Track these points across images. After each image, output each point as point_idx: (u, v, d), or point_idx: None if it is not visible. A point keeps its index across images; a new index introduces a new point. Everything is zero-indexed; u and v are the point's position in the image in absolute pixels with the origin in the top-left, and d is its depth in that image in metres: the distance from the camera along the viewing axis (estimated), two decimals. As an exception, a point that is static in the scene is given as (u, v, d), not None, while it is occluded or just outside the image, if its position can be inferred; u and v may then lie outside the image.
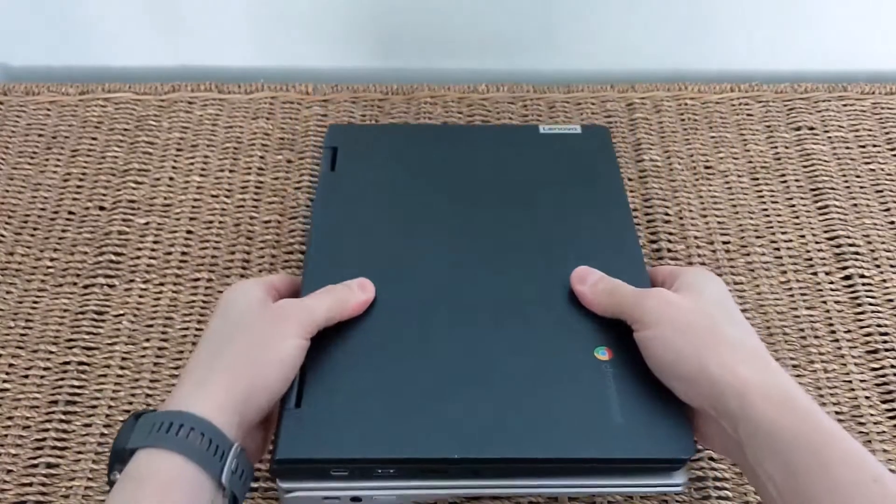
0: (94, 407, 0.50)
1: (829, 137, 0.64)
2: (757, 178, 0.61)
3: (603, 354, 0.42)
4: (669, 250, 0.57)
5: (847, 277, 0.56)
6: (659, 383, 0.40)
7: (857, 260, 0.57)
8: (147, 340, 0.52)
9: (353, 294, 0.43)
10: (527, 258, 0.47)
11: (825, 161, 0.62)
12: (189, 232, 0.58)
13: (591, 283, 0.44)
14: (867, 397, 0.51)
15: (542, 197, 0.51)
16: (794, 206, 0.60)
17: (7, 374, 0.51)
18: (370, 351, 0.42)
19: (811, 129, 0.65)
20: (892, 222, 0.59)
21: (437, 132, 0.60)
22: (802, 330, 0.53)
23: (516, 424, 0.39)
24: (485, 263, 0.47)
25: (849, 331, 0.53)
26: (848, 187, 0.61)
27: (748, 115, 0.66)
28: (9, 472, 0.47)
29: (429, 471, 0.40)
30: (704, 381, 0.37)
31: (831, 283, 0.56)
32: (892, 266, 0.56)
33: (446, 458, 0.38)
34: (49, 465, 0.48)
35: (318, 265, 0.46)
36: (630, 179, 0.61)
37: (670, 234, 0.58)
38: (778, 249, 0.57)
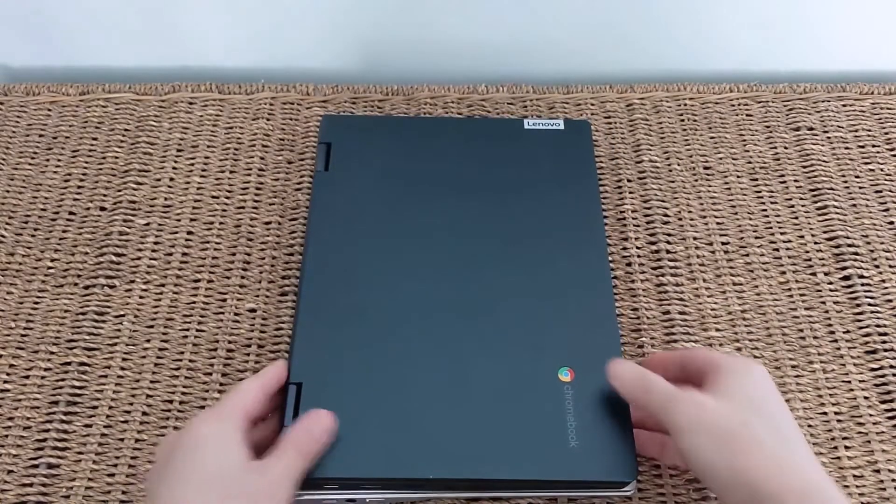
0: (95, 408, 0.50)
1: (829, 138, 0.64)
2: (756, 179, 0.62)
3: (566, 376, 0.46)
4: (668, 251, 0.57)
5: (846, 278, 0.56)
6: (613, 406, 0.45)
7: (856, 260, 0.57)
8: (148, 341, 0.53)
9: (317, 440, 0.42)
10: (498, 264, 0.50)
11: (824, 161, 0.63)
12: (189, 233, 0.58)
13: (627, 379, 0.43)
14: (866, 397, 0.51)
15: (517, 198, 0.54)
16: (793, 206, 0.60)
17: (8, 374, 0.51)
18: (353, 373, 0.46)
19: (810, 129, 0.65)
20: (892, 223, 0.59)
21: (428, 124, 0.61)
22: (801, 330, 0.54)
23: (482, 446, 0.44)
24: (458, 269, 0.50)
25: (848, 331, 0.54)
26: (847, 188, 0.61)
27: (747, 115, 0.66)
28: (10, 472, 0.47)
29: (408, 485, 0.45)
30: (742, 489, 0.37)
31: (830, 283, 0.56)
32: (891, 266, 0.57)
33: (420, 478, 0.44)
34: (50, 466, 0.48)
35: (313, 284, 0.50)
36: (629, 180, 0.61)
37: (669, 234, 0.58)
38: (777, 250, 0.57)
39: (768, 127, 0.65)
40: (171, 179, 0.61)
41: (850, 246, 0.58)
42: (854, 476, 0.48)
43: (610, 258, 0.57)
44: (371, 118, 0.63)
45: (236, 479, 0.38)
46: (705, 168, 0.62)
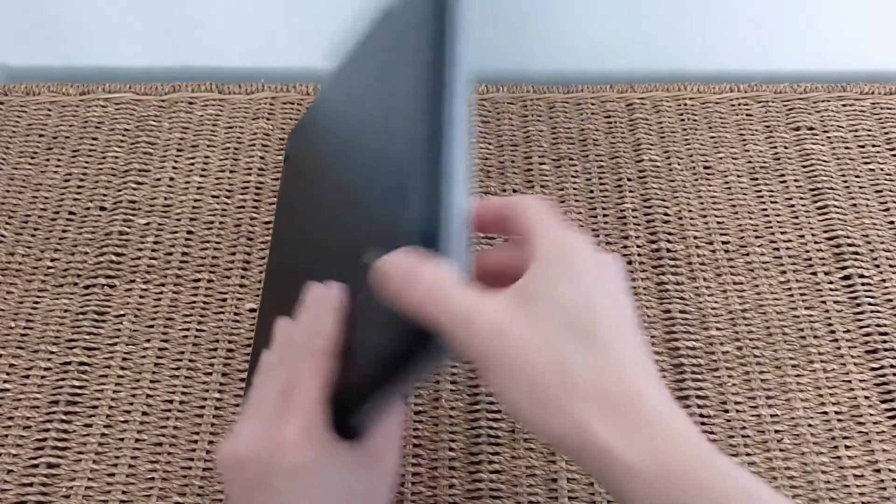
0: (95, 407, 0.50)
1: (829, 137, 0.64)
2: (756, 179, 0.62)
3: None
4: (669, 250, 0.57)
5: (846, 277, 0.56)
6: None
7: (856, 260, 0.57)
8: (148, 341, 0.53)
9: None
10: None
11: (824, 161, 0.63)
12: (189, 232, 0.58)
13: (424, 284, 0.30)
14: (866, 397, 0.51)
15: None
16: (793, 206, 0.60)
17: (8, 374, 0.51)
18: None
19: (810, 129, 0.65)
20: (892, 222, 0.59)
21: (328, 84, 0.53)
22: (802, 330, 0.54)
23: None
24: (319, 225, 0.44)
25: (848, 331, 0.54)
26: (847, 187, 0.61)
27: (747, 115, 0.66)
28: (9, 472, 0.47)
29: None
30: (564, 449, 0.30)
31: (830, 283, 0.56)
32: (891, 266, 0.56)
33: None
34: (50, 466, 0.48)
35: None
36: (629, 179, 0.61)
37: (669, 234, 0.58)
38: (777, 249, 0.57)
39: (768, 127, 0.65)
40: (171, 179, 0.61)
41: (850, 245, 0.57)
42: (854, 476, 0.48)
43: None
44: (309, 111, 0.57)
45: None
46: (705, 168, 0.62)
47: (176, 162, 0.62)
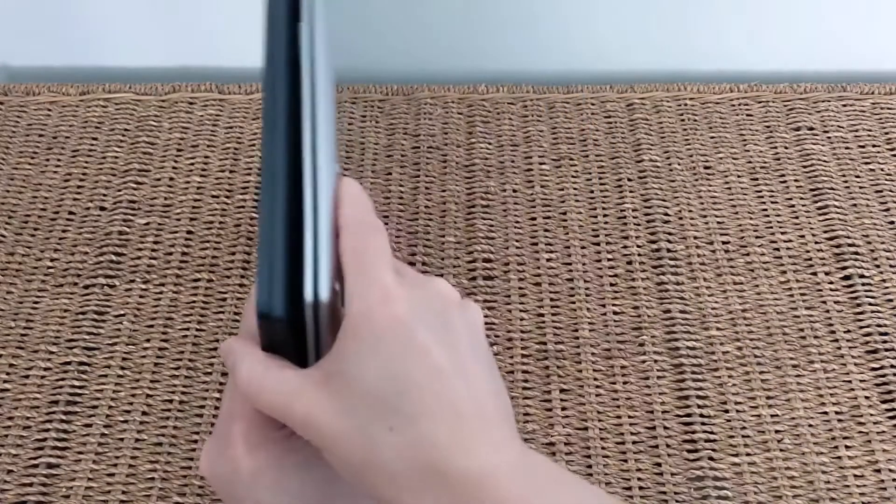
0: (95, 407, 0.50)
1: (829, 138, 0.64)
2: (756, 179, 0.62)
3: None
4: (669, 250, 0.57)
5: (847, 277, 0.56)
6: None
7: (856, 260, 0.57)
8: (147, 341, 0.53)
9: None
10: None
11: (825, 161, 0.62)
12: (189, 232, 0.58)
13: (243, 383, 0.31)
14: (867, 397, 0.51)
15: None
16: (793, 206, 0.60)
17: (7, 374, 0.51)
18: None
19: (811, 129, 0.65)
20: (892, 222, 0.59)
21: None
22: (802, 330, 0.54)
23: None
24: None
25: (848, 331, 0.54)
26: (847, 187, 0.61)
27: (748, 115, 0.66)
28: (9, 472, 0.47)
29: None
30: None
31: (831, 283, 0.56)
32: (891, 266, 0.56)
33: None
34: (49, 466, 0.48)
35: None
36: (630, 179, 0.61)
37: (670, 234, 0.58)
38: (777, 249, 0.57)
39: (768, 127, 0.65)
40: (171, 179, 0.61)
41: (850, 245, 0.57)
42: (854, 476, 0.48)
43: (610, 257, 0.57)
44: None
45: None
46: (706, 168, 0.62)
47: (176, 162, 0.62)
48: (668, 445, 0.49)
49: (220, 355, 0.32)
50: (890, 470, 0.48)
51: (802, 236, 0.58)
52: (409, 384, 0.28)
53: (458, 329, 0.30)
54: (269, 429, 0.32)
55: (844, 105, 0.66)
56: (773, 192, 0.61)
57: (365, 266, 0.30)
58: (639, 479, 0.47)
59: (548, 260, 0.57)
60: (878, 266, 0.57)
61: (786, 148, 0.63)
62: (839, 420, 0.50)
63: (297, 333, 0.30)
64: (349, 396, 0.28)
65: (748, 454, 0.48)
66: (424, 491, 0.28)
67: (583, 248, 0.57)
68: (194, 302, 0.54)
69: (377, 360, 0.28)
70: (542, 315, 0.54)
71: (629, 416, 0.50)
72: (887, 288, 0.55)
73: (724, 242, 0.58)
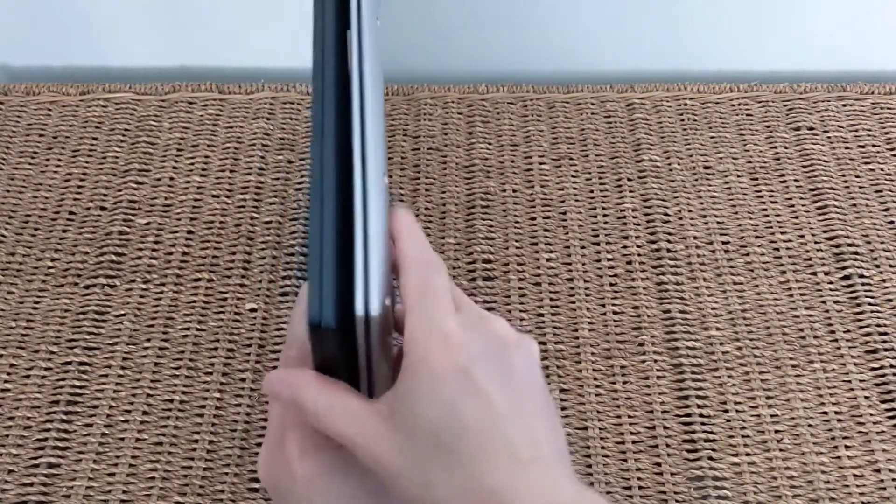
0: (96, 407, 0.50)
1: (829, 137, 0.64)
2: (756, 179, 0.62)
3: None
4: (669, 250, 0.57)
5: (846, 277, 0.56)
6: None
7: (856, 260, 0.57)
8: (148, 341, 0.53)
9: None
10: None
11: (824, 161, 0.63)
12: (190, 232, 0.58)
13: (310, 412, 0.32)
14: (866, 397, 0.51)
15: None
16: (793, 206, 0.60)
17: (8, 374, 0.51)
18: None
19: (811, 129, 0.65)
20: (892, 222, 0.59)
21: None
22: (802, 330, 0.54)
23: None
24: None
25: (848, 331, 0.54)
26: (847, 187, 0.61)
27: (747, 115, 0.66)
28: (10, 472, 0.47)
29: None
30: None
31: (830, 283, 0.56)
32: (891, 266, 0.57)
33: None
34: (50, 466, 0.48)
35: None
36: (629, 179, 0.61)
37: (669, 234, 0.58)
38: (777, 249, 0.57)
39: (768, 127, 0.65)
40: (171, 179, 0.61)
41: (850, 245, 0.58)
42: (854, 476, 0.48)
43: (610, 257, 0.57)
44: None
45: None
46: (705, 168, 0.62)
47: (176, 162, 0.62)
48: (667, 445, 0.49)
49: (264, 387, 0.34)
50: (890, 470, 0.48)
51: (802, 236, 0.58)
52: (467, 429, 0.29)
53: (514, 371, 0.31)
54: (322, 436, 0.32)
55: (844, 105, 0.66)
56: (772, 192, 0.61)
57: (427, 309, 0.31)
58: (638, 478, 0.47)
59: (547, 260, 0.57)
60: (877, 266, 0.57)
61: (785, 148, 0.63)
62: (839, 420, 0.50)
63: (348, 347, 0.31)
64: (410, 435, 0.29)
65: (748, 454, 0.48)
66: None
67: (582, 248, 0.57)
68: (194, 302, 0.54)
69: (436, 403, 0.29)
70: (542, 315, 0.54)
71: (629, 416, 0.50)
72: (887, 288, 0.55)
73: (723, 242, 0.58)
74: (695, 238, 0.58)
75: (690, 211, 0.60)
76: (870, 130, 0.65)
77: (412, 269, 0.32)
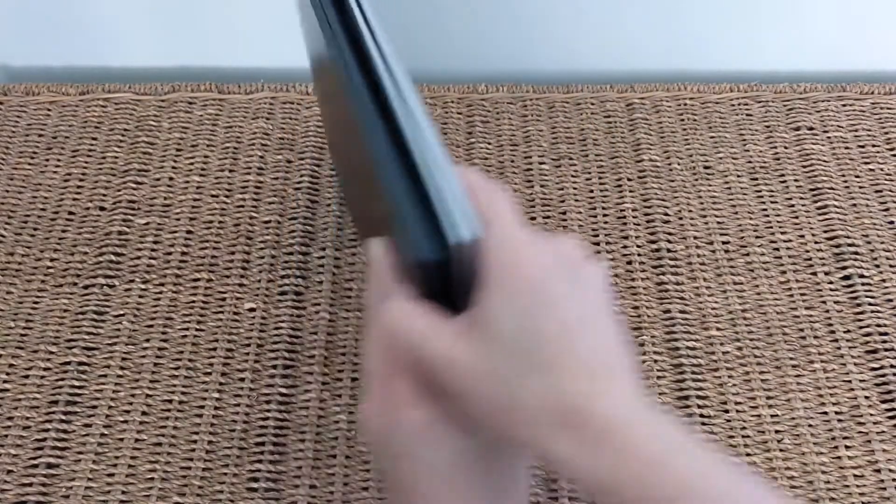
0: (95, 407, 0.50)
1: (829, 137, 0.64)
2: (756, 179, 0.62)
3: None
4: (669, 250, 0.57)
5: (846, 277, 0.56)
6: None
7: (856, 260, 0.57)
8: (147, 341, 0.53)
9: None
10: None
11: (824, 161, 0.62)
12: (189, 232, 0.58)
13: (385, 325, 0.33)
14: (867, 397, 0.51)
15: None
16: (793, 206, 0.60)
17: (7, 374, 0.51)
18: None
19: (810, 129, 0.65)
20: (892, 222, 0.59)
21: None
22: (802, 330, 0.53)
23: None
24: None
25: (848, 331, 0.53)
26: (847, 187, 0.61)
27: (747, 115, 0.66)
28: (9, 472, 0.47)
29: None
30: (531, 455, 0.34)
31: (830, 283, 0.56)
32: (891, 266, 0.56)
33: None
34: (49, 466, 0.48)
35: None
36: (629, 179, 0.61)
37: (669, 234, 0.58)
38: (777, 249, 0.57)
39: (768, 127, 0.65)
40: (171, 179, 0.61)
41: (850, 245, 0.57)
42: (854, 476, 0.48)
43: (610, 257, 0.57)
44: None
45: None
46: (705, 168, 0.62)
47: (175, 162, 0.62)
48: (667, 445, 0.49)
49: (363, 300, 0.37)
50: (890, 470, 0.48)
51: (802, 236, 0.58)
52: (545, 338, 0.30)
53: (586, 286, 0.32)
54: (431, 386, 0.33)
55: (844, 105, 0.66)
56: (772, 192, 0.61)
57: (499, 222, 0.32)
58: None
59: (547, 260, 0.57)
60: (877, 266, 0.56)
61: (785, 148, 0.63)
62: (839, 420, 0.50)
63: (444, 278, 0.32)
64: (490, 344, 0.30)
65: (748, 454, 0.48)
66: (561, 433, 0.30)
67: (582, 248, 0.57)
68: (194, 302, 0.54)
69: (514, 312, 0.30)
70: (542, 315, 0.54)
71: (629, 416, 0.50)
72: (887, 288, 0.55)
73: (723, 242, 0.58)
74: (695, 238, 0.58)
75: (690, 211, 0.59)
76: (870, 130, 0.64)
77: (481, 191, 0.33)
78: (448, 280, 0.32)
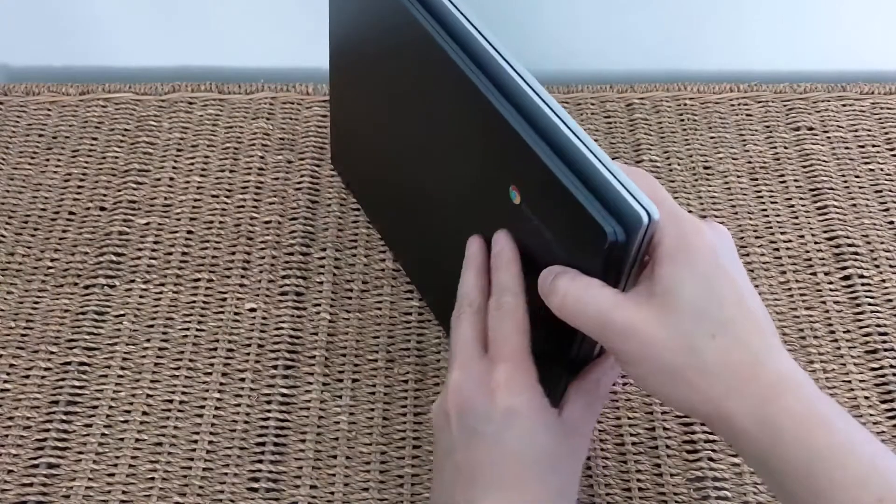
0: (95, 407, 0.50)
1: (829, 137, 0.64)
2: (756, 179, 0.62)
3: (514, 197, 0.39)
4: (669, 250, 0.57)
5: (846, 278, 0.56)
6: None
7: (856, 260, 0.57)
8: (148, 341, 0.53)
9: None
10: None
11: (824, 161, 0.63)
12: (189, 232, 0.58)
13: (559, 296, 0.36)
14: (866, 397, 0.51)
15: None
16: (793, 206, 0.60)
17: (8, 374, 0.51)
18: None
19: (810, 129, 0.65)
20: (892, 222, 0.59)
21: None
22: (802, 330, 0.54)
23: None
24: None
25: (848, 331, 0.54)
26: (847, 187, 0.61)
27: (747, 115, 0.66)
28: (10, 472, 0.47)
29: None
30: (696, 417, 0.37)
31: (830, 283, 0.56)
32: (891, 266, 0.57)
33: None
34: (50, 466, 0.48)
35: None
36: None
37: (670, 234, 0.58)
38: (777, 250, 0.57)
39: (768, 127, 0.65)
40: (171, 179, 0.61)
41: (850, 246, 0.57)
42: (854, 476, 0.48)
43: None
44: None
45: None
46: (705, 168, 0.62)
47: (176, 162, 0.62)
48: (667, 446, 0.49)
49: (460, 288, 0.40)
50: (889, 470, 0.48)
51: (802, 236, 0.58)
52: (724, 299, 0.34)
53: (738, 256, 0.37)
54: (532, 376, 0.37)
55: (844, 105, 0.66)
56: (772, 192, 0.61)
57: (668, 202, 0.35)
58: (638, 480, 0.47)
59: (548, 260, 0.57)
60: (877, 266, 0.57)
61: (785, 148, 0.63)
62: (839, 420, 0.50)
63: (619, 259, 0.35)
64: (672, 310, 0.34)
65: (748, 454, 0.48)
66: (738, 388, 0.33)
67: (582, 248, 0.57)
68: (194, 302, 0.54)
69: (694, 279, 0.34)
70: (542, 315, 0.54)
71: (629, 418, 0.50)
72: (887, 288, 0.55)
73: (723, 242, 0.58)
74: (695, 238, 0.58)
75: (690, 211, 0.59)
76: (869, 130, 0.65)
77: (640, 177, 0.36)
78: (621, 260, 0.35)
